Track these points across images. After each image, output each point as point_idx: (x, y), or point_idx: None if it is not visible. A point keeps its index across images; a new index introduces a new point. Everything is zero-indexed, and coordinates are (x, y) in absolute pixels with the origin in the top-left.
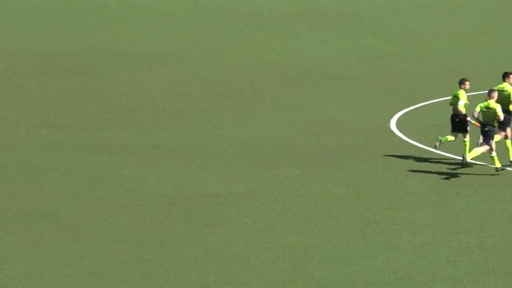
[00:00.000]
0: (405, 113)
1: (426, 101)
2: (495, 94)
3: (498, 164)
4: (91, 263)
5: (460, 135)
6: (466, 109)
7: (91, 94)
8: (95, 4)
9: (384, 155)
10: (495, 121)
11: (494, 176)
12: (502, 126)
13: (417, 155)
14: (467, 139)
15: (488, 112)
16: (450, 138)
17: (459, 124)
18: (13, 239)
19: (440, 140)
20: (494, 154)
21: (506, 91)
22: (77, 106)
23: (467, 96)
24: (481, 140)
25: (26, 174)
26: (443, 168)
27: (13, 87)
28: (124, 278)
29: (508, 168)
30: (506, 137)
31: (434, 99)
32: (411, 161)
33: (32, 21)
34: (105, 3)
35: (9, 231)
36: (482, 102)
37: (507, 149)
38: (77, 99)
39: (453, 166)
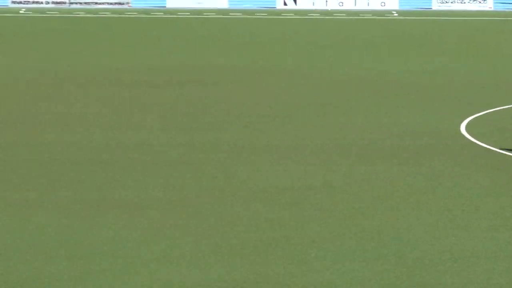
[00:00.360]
0: (473, 119)
1: (492, 108)
2: None
3: None
4: (212, 242)
5: None
6: None
7: (212, 102)
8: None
9: (455, 154)
10: None
11: None
12: None
13: (484, 154)
14: None
15: None
16: None
17: None
18: (149, 222)
19: None
20: None
21: None
22: (201, 112)
23: None
24: None
25: (161, 168)
26: (507, 165)
27: (151, 96)
28: (241, 255)
29: None
30: None
31: (499, 106)
32: (478, 159)
33: (162, 44)
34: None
35: (146, 216)
36: None
37: None
38: (201, 107)
39: None
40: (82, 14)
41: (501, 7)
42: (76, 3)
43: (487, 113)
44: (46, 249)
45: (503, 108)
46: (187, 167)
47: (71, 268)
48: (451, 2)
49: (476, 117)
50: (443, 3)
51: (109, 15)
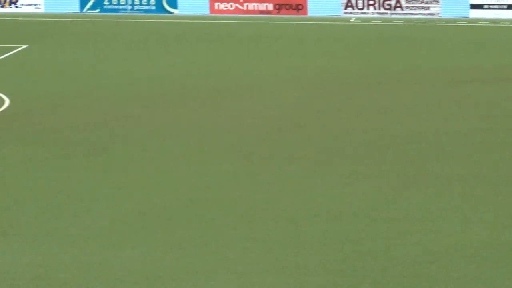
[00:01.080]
0: None
1: None
2: None
3: None
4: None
5: None
6: None
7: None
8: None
9: None
10: None
11: None
12: None
13: None
14: None
15: None
16: None
17: None
18: (450, 193)
19: None
20: None
21: None
22: (476, 107)
23: None
24: None
25: (463, 148)
26: None
27: (435, 93)
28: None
29: None
30: None
31: None
32: None
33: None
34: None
35: (448, 187)
36: None
37: None
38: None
39: None
40: (400, 23)
41: None
42: (396, 13)
43: None
44: (370, 212)
45: None
46: (486, 148)
47: (388, 228)
48: None
49: None
50: None
51: (422, 23)
